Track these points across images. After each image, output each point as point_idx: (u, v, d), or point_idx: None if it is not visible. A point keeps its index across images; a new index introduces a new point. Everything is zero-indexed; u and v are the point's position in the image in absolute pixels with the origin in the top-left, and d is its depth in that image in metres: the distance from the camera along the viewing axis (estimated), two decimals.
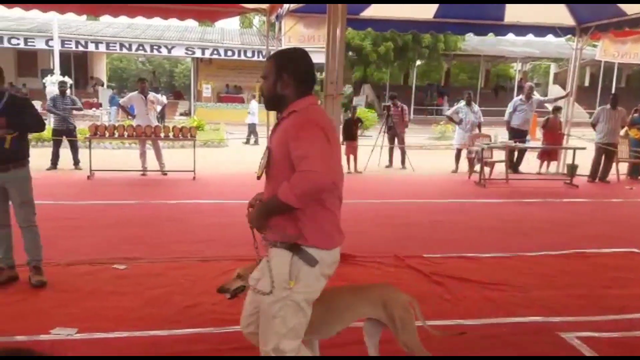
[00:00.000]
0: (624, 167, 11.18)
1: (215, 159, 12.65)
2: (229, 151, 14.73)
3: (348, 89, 26.50)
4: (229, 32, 28.59)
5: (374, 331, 2.73)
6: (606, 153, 10.48)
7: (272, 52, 11.17)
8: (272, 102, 2.33)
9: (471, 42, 29.11)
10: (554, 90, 29.80)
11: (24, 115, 4.19)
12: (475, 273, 4.78)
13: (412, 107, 27.09)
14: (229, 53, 24.97)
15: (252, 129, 16.69)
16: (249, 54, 24.95)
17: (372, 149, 11.48)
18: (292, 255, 2.19)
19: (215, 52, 24.94)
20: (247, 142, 16.56)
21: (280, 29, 11.04)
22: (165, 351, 3.24)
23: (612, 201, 8.88)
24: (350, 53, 26.67)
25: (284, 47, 12.82)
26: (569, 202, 8.61)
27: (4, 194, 4.23)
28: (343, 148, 10.44)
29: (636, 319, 3.90)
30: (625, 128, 11.22)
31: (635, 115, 11.45)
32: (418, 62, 29.99)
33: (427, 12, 9.79)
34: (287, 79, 2.24)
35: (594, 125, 10.72)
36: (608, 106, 10.51)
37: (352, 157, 11.05)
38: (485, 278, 4.63)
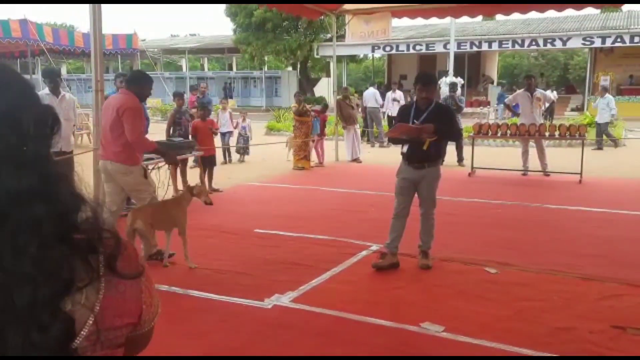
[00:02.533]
0: None
1: (609, 160, 11.18)
2: (627, 152, 12.78)
3: None
4: (638, 15, 24.86)
5: None
6: None
7: None
8: None
9: None
10: None
11: (448, 124, 4.70)
12: None
13: None
14: (636, 39, 21.91)
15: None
16: None
17: None
18: None
19: (618, 39, 22.33)
20: None
21: None
22: None
23: None
24: None
25: None
26: None
27: (414, 188, 4.75)
28: None
29: None
30: None
31: None
32: None
33: None
34: None
35: None
36: None
37: None
38: None
